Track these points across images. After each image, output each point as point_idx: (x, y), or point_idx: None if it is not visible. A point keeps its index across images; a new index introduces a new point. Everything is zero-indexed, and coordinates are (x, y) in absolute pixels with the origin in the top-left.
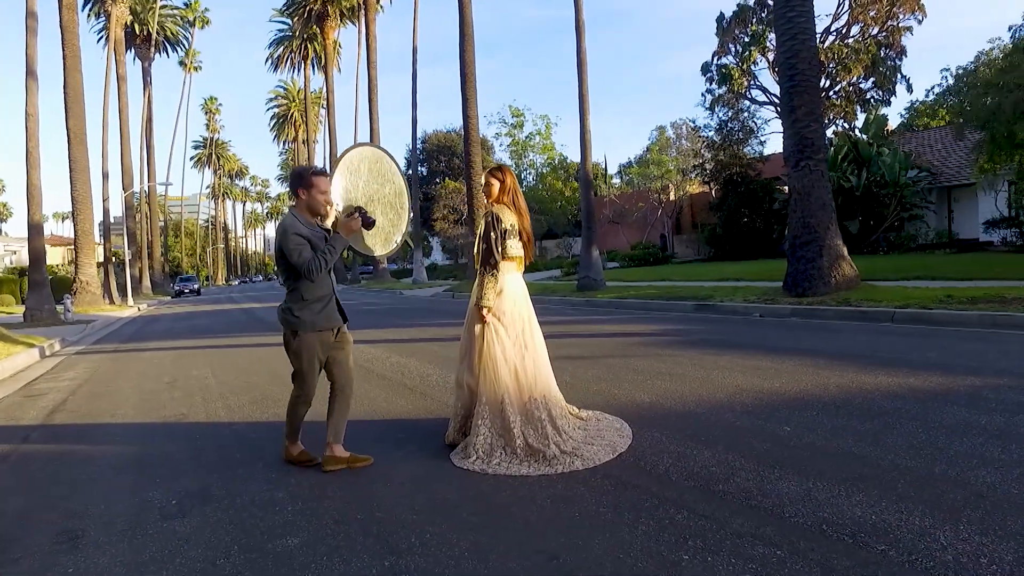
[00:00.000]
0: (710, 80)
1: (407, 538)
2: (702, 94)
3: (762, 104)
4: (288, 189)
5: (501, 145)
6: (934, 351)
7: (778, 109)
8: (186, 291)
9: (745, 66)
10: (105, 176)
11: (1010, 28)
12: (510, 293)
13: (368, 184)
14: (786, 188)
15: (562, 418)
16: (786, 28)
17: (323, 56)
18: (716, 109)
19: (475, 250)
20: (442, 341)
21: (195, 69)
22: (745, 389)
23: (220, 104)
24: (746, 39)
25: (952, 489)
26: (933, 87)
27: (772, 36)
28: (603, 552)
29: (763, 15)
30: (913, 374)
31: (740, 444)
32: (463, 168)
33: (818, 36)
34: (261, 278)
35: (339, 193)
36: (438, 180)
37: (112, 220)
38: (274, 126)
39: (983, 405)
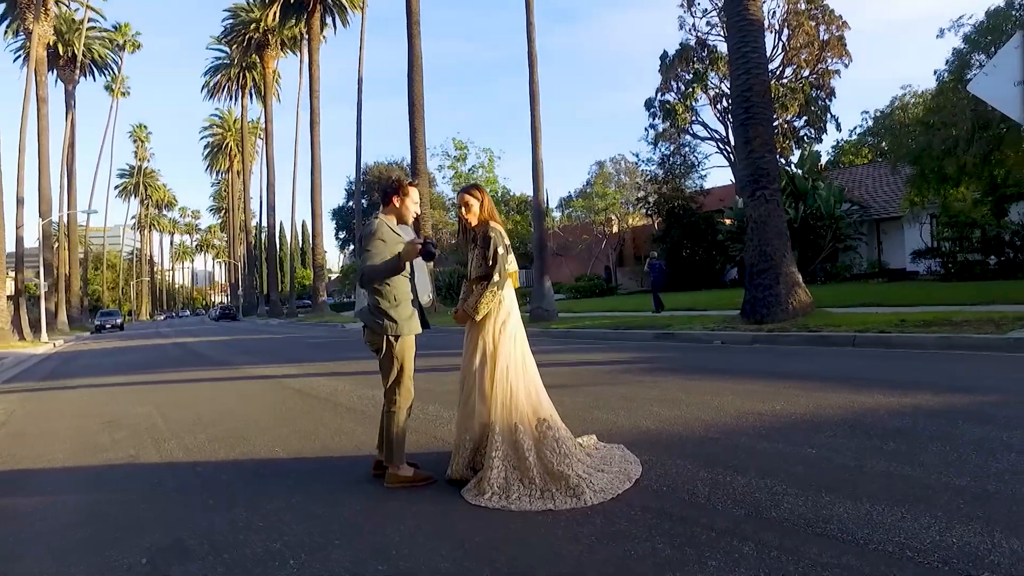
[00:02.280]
0: (653, 115)
1: None
2: (645, 128)
3: (703, 139)
4: (379, 196)
5: (444, 178)
6: (913, 372)
7: (719, 144)
8: (108, 326)
9: (688, 102)
10: (19, 202)
11: (935, 72)
12: (514, 309)
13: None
14: (727, 220)
15: (571, 439)
16: (741, 63)
17: (262, 85)
18: (659, 144)
19: (470, 267)
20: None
21: (123, 94)
22: (748, 412)
23: (150, 132)
24: (688, 77)
25: (1018, 507)
26: (855, 127)
27: (713, 76)
28: None
29: (704, 55)
30: (906, 394)
31: (772, 468)
32: None
33: None
34: (189, 313)
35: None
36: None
37: (26, 250)
38: (208, 155)
39: (994, 422)
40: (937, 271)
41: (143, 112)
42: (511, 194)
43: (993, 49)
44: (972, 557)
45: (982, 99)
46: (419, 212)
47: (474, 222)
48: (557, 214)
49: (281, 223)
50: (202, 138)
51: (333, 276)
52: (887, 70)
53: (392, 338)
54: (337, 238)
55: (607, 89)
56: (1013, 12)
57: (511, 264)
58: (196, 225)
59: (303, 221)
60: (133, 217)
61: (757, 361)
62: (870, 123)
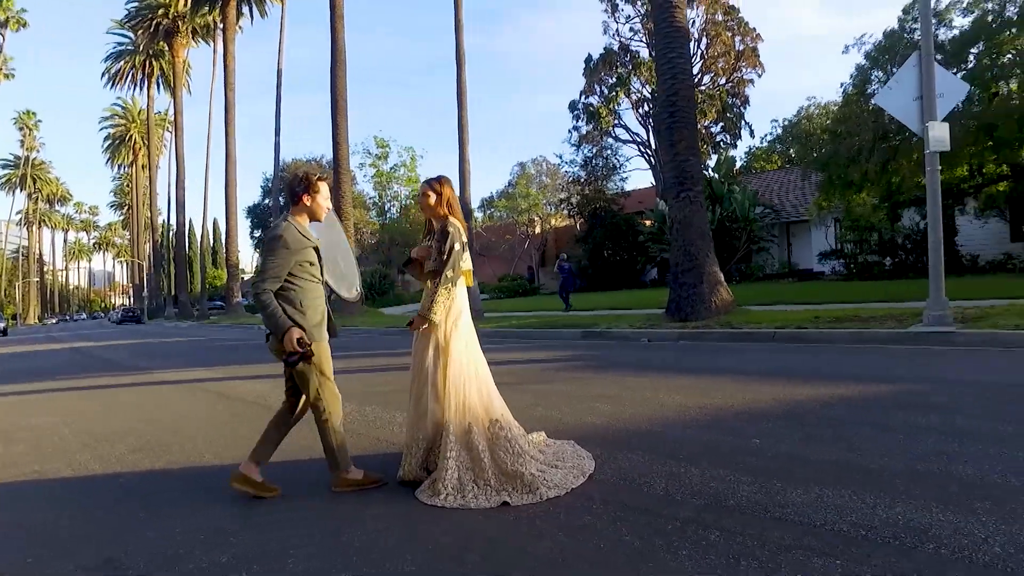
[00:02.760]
0: (577, 118)
1: None
2: (569, 130)
3: (625, 142)
4: (285, 194)
5: (365, 176)
6: (833, 365)
7: (640, 147)
8: None
9: (611, 106)
10: None
11: (842, 85)
12: (465, 308)
13: (330, 231)
14: (648, 222)
15: (523, 438)
16: (667, 68)
17: (171, 75)
18: (582, 146)
19: (427, 263)
20: (337, 374)
21: (7, 77)
22: (690, 407)
23: (39, 120)
24: (612, 81)
25: (948, 483)
26: (766, 135)
27: (636, 81)
28: None
29: (626, 60)
30: (833, 385)
31: (722, 459)
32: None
33: None
34: (86, 316)
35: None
36: None
37: None
38: (108, 148)
39: (913, 408)
40: (840, 271)
41: (31, 98)
42: None
43: (890, 66)
44: (917, 531)
45: (887, 111)
46: (330, 206)
47: (431, 215)
48: (479, 215)
49: (191, 221)
50: (102, 128)
51: (247, 276)
52: (793, 82)
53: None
54: (252, 237)
55: (527, 91)
56: (905, 34)
57: (466, 262)
58: (94, 222)
59: (214, 219)
60: (19, 212)
61: (687, 358)
62: (779, 131)
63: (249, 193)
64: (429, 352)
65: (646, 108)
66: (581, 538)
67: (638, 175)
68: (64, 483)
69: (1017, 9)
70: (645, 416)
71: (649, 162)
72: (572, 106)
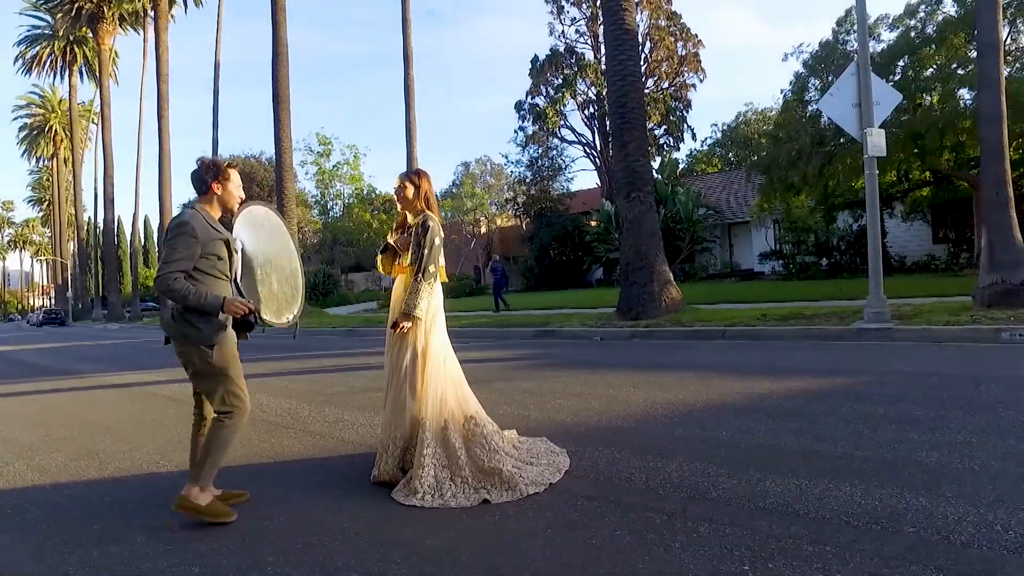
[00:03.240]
0: (523, 118)
1: None
2: (515, 131)
3: (571, 143)
4: (192, 185)
5: (307, 174)
6: (786, 360)
7: (586, 149)
8: None
9: (558, 107)
10: None
11: (782, 91)
12: (441, 306)
13: (269, 244)
14: (593, 222)
15: (497, 435)
16: (617, 70)
17: (96, 63)
18: (528, 146)
19: (408, 258)
20: (286, 375)
21: None
22: (655, 402)
23: None
24: (558, 82)
25: (914, 470)
26: (706, 139)
27: (581, 83)
28: None
29: (572, 62)
30: (789, 379)
31: (697, 453)
32: (265, 195)
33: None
34: (0, 318)
35: (243, 238)
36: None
37: None
38: (25, 139)
39: (870, 400)
40: (780, 271)
41: None
42: (376, 192)
43: (825, 75)
44: (895, 516)
45: (829, 116)
46: (242, 197)
47: (408, 209)
48: None
49: (120, 218)
50: (16, 118)
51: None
52: (732, 87)
53: (206, 348)
54: None
55: (471, 91)
56: (839, 45)
57: (441, 258)
58: (9, 218)
59: (145, 216)
60: None
61: (643, 355)
62: (718, 135)
63: (185, 190)
64: (407, 350)
65: (592, 110)
66: (573, 535)
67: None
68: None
69: (935, 28)
70: (613, 412)
71: (594, 163)
72: (519, 106)
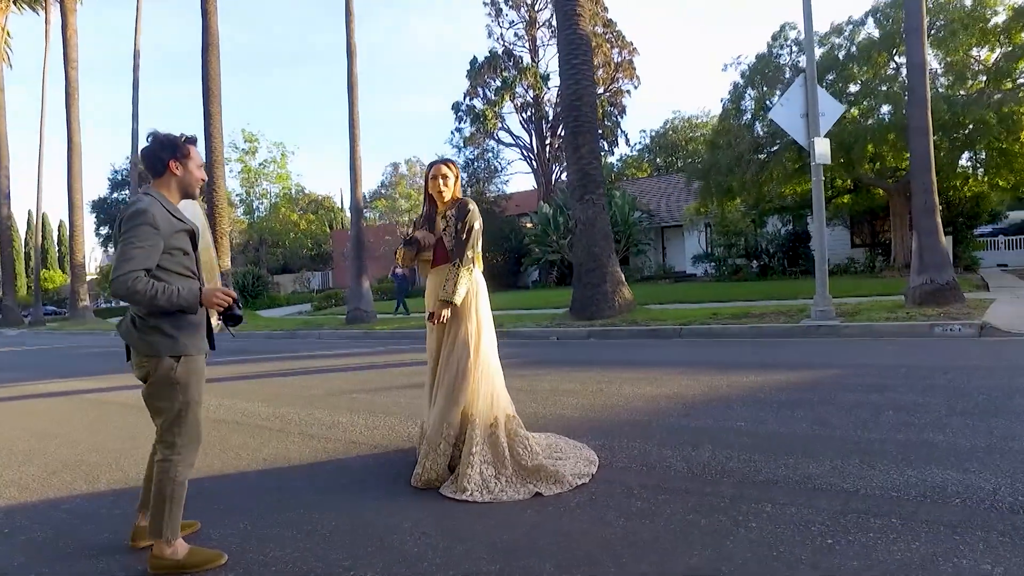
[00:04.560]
0: (460, 119)
1: None
2: (452, 132)
3: (508, 145)
4: (144, 165)
5: (231, 172)
6: (754, 355)
7: (523, 151)
8: None
9: (496, 109)
10: None
11: (722, 100)
12: (486, 297)
13: (204, 232)
14: (530, 224)
15: (529, 435)
16: (571, 74)
17: None
18: (464, 148)
19: (446, 245)
20: (252, 379)
21: None
22: (654, 396)
23: None
24: (497, 84)
25: (933, 450)
26: (635, 144)
27: (519, 86)
28: (751, 555)
29: (510, 64)
30: (771, 372)
31: (720, 441)
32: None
33: (555, 91)
34: None
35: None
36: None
37: None
38: None
39: (856, 389)
40: (712, 273)
41: None
42: (304, 192)
43: (761, 86)
44: (937, 489)
45: (779, 125)
46: (204, 178)
47: (448, 197)
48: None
49: (12, 216)
50: None
51: (90, 278)
52: (660, 94)
53: (170, 359)
54: (98, 234)
55: (401, 90)
56: (773, 59)
57: (479, 245)
58: None
59: (43, 214)
60: None
61: (612, 353)
62: (647, 141)
63: (96, 186)
64: (460, 345)
65: (529, 113)
66: (647, 522)
67: (520, 178)
68: None
69: (856, 47)
70: (618, 407)
71: (531, 165)
72: (456, 107)
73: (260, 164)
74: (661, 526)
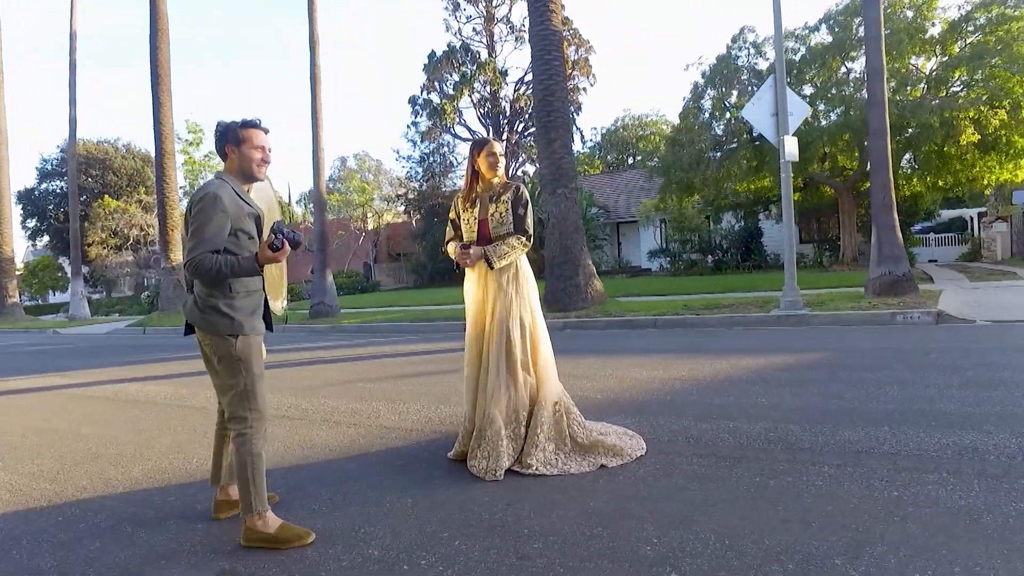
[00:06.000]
0: (416, 113)
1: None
2: (408, 125)
3: (465, 140)
4: (218, 150)
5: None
6: (742, 342)
7: None
8: None
9: (455, 103)
10: None
11: (684, 99)
12: (535, 282)
13: (272, 211)
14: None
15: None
16: (544, 69)
17: None
18: (421, 142)
19: (469, 229)
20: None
21: None
22: (668, 379)
23: None
24: (456, 79)
25: (950, 418)
26: (587, 141)
27: (476, 80)
28: (832, 508)
29: (467, 59)
30: (766, 356)
31: (751, 415)
32: (124, 185)
33: (512, 87)
34: None
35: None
36: (85, 197)
37: None
38: None
39: (854, 368)
40: (667, 268)
41: None
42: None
43: (721, 87)
44: (970, 449)
45: (751, 123)
46: (269, 162)
47: (494, 177)
48: (299, 208)
49: None
50: None
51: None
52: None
53: (229, 338)
54: (25, 227)
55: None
56: (732, 60)
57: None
58: None
59: None
60: None
61: (596, 343)
62: (598, 139)
63: (22, 175)
64: (515, 327)
65: (487, 108)
66: (719, 484)
67: None
68: (30, 516)
69: (808, 50)
70: (638, 389)
71: None
72: (412, 101)
73: (205, 156)
74: (734, 488)
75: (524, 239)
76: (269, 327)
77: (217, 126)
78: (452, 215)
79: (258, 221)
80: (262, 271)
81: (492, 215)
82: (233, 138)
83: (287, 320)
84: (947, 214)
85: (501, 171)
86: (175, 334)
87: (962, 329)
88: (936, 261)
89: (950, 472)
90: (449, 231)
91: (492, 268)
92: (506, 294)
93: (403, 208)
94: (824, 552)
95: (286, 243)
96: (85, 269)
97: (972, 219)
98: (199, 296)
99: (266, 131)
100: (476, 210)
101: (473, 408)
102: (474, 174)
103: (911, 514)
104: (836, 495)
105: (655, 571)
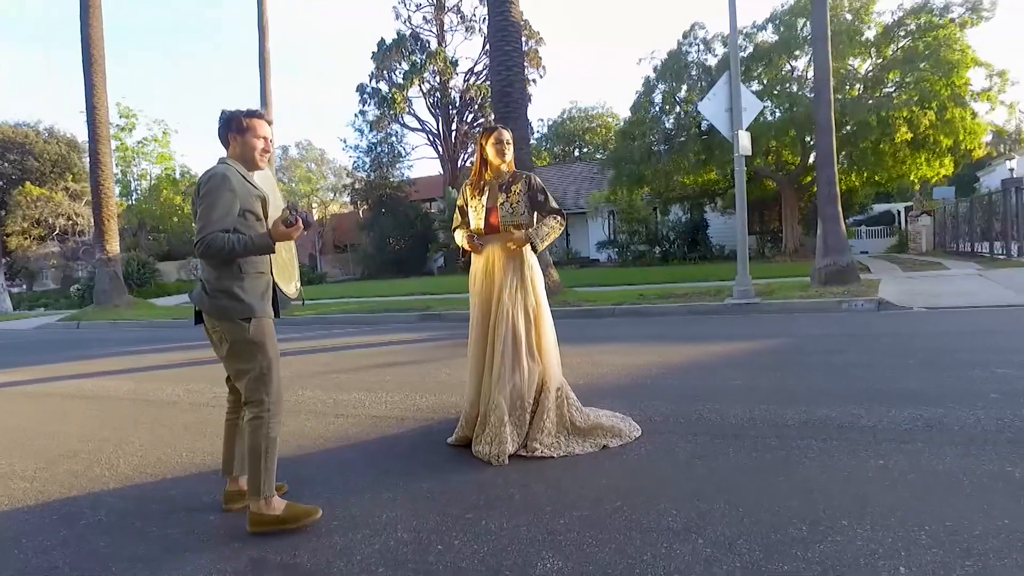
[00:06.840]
0: (364, 102)
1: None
2: (355, 114)
3: (414, 130)
4: (221, 139)
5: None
6: (708, 329)
7: (429, 136)
8: None
9: (404, 92)
10: None
11: (636, 92)
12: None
13: (276, 199)
14: (434, 209)
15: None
16: (502, 60)
17: None
18: (369, 131)
19: (477, 216)
20: (199, 365)
21: None
22: (644, 365)
23: None
24: (406, 68)
25: (927, 396)
26: (534, 132)
27: (427, 70)
28: (827, 477)
29: (417, 48)
30: (734, 343)
31: (735, 398)
32: (48, 171)
33: (462, 77)
34: None
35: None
36: (2, 183)
37: None
38: None
39: (818, 352)
40: (616, 259)
41: None
42: (190, 173)
43: (671, 82)
44: (959, 421)
45: (706, 117)
46: (270, 152)
47: (504, 166)
48: None
49: None
50: None
51: None
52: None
53: (241, 322)
54: None
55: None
56: (682, 56)
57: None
58: None
59: None
60: None
61: (563, 332)
62: (544, 130)
63: None
64: (520, 315)
65: (437, 97)
66: (720, 460)
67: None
68: (30, 512)
69: (754, 49)
70: (616, 375)
71: (437, 151)
72: (361, 89)
73: (138, 143)
74: (735, 463)
75: (560, 218)
76: (277, 313)
77: (221, 114)
78: (460, 202)
79: (263, 204)
80: (273, 248)
81: (502, 204)
82: (237, 126)
83: (304, 302)
84: (877, 207)
85: (509, 158)
86: (114, 329)
87: (903, 315)
88: (867, 252)
89: (923, 442)
90: (457, 218)
91: (536, 251)
92: (512, 281)
93: (349, 198)
94: (831, 516)
95: (299, 220)
96: (5, 261)
97: (899, 213)
98: (207, 281)
99: (269, 122)
100: (484, 197)
101: (477, 392)
102: (483, 161)
103: (898, 479)
104: (828, 466)
105: (682, 538)
